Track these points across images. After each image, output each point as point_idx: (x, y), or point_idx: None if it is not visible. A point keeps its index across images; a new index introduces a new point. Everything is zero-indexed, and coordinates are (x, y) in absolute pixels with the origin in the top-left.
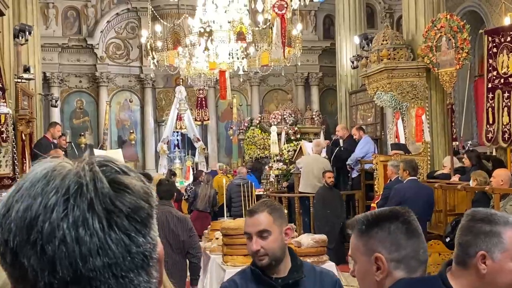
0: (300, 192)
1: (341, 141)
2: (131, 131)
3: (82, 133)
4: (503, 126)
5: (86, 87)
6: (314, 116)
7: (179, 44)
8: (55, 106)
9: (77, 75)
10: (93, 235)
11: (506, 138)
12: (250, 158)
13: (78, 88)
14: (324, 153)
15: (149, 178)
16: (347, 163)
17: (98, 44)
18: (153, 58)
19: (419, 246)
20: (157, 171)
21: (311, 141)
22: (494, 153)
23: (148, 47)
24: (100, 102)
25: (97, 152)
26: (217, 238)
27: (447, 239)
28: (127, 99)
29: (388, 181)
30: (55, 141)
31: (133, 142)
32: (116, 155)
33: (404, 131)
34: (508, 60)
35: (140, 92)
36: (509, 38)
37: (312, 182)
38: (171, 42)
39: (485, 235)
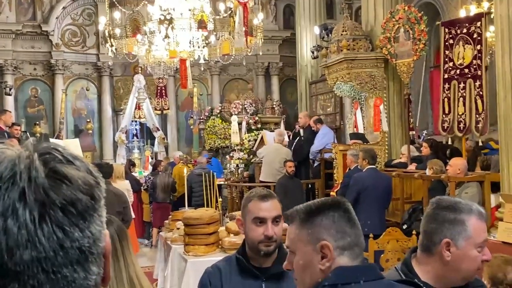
0: (261, 181)
1: (301, 131)
2: (88, 120)
3: (37, 122)
4: (459, 116)
5: (41, 75)
6: (274, 106)
7: (138, 31)
8: (9, 94)
9: (32, 63)
10: (22, 227)
11: (462, 127)
12: (211, 147)
13: (32, 76)
14: (270, 140)
15: (109, 168)
16: (310, 158)
17: (53, 30)
18: (111, 46)
19: (359, 234)
20: (115, 161)
21: (272, 131)
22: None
23: (106, 34)
24: (55, 90)
25: (52, 142)
26: (178, 228)
27: (404, 226)
28: (84, 88)
29: (348, 170)
30: (7, 129)
31: (90, 131)
32: (74, 144)
33: (363, 120)
34: (464, 51)
35: (97, 80)
36: (465, 30)
37: (273, 171)
38: (130, 29)
39: (450, 223)
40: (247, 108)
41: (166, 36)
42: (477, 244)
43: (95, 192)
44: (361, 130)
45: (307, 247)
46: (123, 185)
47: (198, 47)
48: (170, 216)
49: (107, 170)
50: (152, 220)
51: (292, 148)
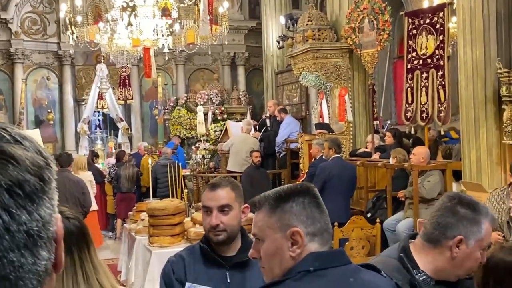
0: (228, 171)
1: (268, 121)
2: (49, 110)
3: None
4: (421, 106)
5: (0, 64)
6: (240, 96)
7: (100, 19)
8: None
9: None
10: None
11: (424, 117)
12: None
13: None
14: (237, 131)
15: (68, 157)
16: (276, 148)
17: (12, 18)
18: (72, 34)
19: (328, 220)
20: (77, 152)
21: (238, 121)
22: (412, 132)
23: (67, 21)
24: (15, 79)
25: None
26: (142, 220)
27: (368, 215)
28: (44, 77)
29: (313, 160)
30: None
31: (51, 122)
32: (34, 135)
33: (328, 111)
34: (427, 41)
35: (58, 69)
36: (428, 20)
37: (240, 161)
38: (92, 17)
39: (468, 221)
40: (213, 98)
41: (129, 24)
42: (483, 247)
43: (44, 173)
44: (326, 120)
45: (277, 234)
46: (86, 176)
47: (162, 35)
48: (135, 208)
49: (66, 159)
50: (116, 211)
51: (259, 138)
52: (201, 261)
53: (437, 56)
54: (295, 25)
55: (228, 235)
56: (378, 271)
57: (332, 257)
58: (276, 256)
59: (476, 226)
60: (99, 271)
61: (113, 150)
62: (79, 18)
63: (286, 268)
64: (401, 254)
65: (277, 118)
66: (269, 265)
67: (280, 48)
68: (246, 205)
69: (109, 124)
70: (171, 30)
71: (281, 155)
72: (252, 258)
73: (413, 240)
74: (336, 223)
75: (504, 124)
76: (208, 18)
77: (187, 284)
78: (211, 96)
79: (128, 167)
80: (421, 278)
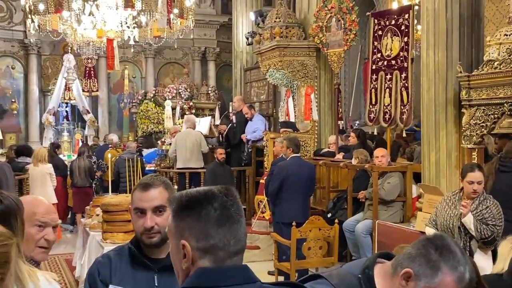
0: (178, 169)
1: (234, 117)
2: (13, 100)
3: None
4: (385, 107)
5: None
6: (210, 92)
7: (61, 7)
8: None
9: None
10: None
11: (387, 118)
12: (143, 132)
13: None
14: (202, 127)
15: (29, 151)
16: (250, 138)
17: None
18: (32, 22)
19: (230, 236)
20: (41, 144)
21: (207, 116)
22: (375, 133)
23: (27, 9)
24: None
25: None
26: (97, 215)
27: (329, 215)
28: (9, 66)
29: (276, 158)
30: None
31: (15, 112)
32: None
33: (294, 109)
34: (392, 43)
35: (24, 58)
36: (393, 22)
37: (184, 157)
38: (52, 5)
39: (426, 261)
40: (181, 93)
41: (90, 14)
42: None
43: None
44: (292, 119)
45: (174, 240)
46: (45, 169)
47: (128, 27)
48: (91, 202)
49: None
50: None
51: (225, 134)
52: (129, 263)
53: (401, 58)
54: (265, 21)
55: (162, 237)
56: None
57: (224, 274)
58: (175, 261)
59: (432, 270)
60: None
61: (80, 143)
62: (41, 6)
63: (182, 275)
64: (360, 276)
65: (246, 115)
66: (174, 267)
67: (249, 44)
68: None
69: (77, 116)
70: (136, 22)
71: (246, 153)
72: None
73: (384, 261)
74: (293, 223)
75: (463, 128)
76: (166, 9)
77: (110, 286)
78: (180, 90)
79: (80, 161)
80: None
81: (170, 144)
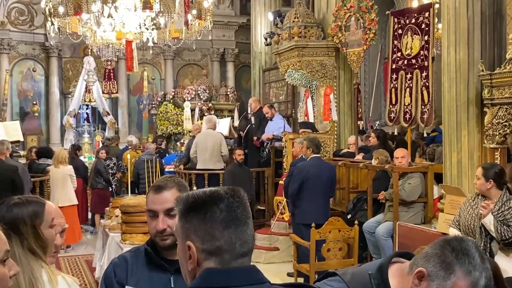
0: (199, 170)
1: (253, 118)
2: (34, 102)
3: None
4: (405, 107)
5: None
6: (229, 93)
7: (80, 10)
8: None
9: None
10: None
11: (407, 118)
12: (162, 133)
13: None
14: (222, 128)
15: (50, 153)
16: (268, 137)
17: None
18: (52, 24)
19: (236, 238)
20: (62, 145)
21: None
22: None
23: (47, 12)
24: (0, 70)
25: None
26: (116, 216)
27: (348, 216)
28: (31, 68)
29: (295, 159)
30: None
31: (36, 114)
32: (13, 127)
33: (313, 109)
34: (412, 41)
35: (45, 61)
36: (413, 20)
37: (204, 157)
38: (72, 7)
39: (439, 262)
40: (200, 94)
41: (109, 16)
42: None
43: None
44: (311, 119)
45: (180, 241)
46: (66, 170)
47: (147, 29)
48: (111, 203)
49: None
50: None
51: (243, 135)
52: (145, 264)
53: (421, 57)
54: (283, 22)
55: (175, 239)
56: None
57: (232, 275)
58: (182, 262)
59: (445, 272)
60: None
61: (100, 144)
62: (61, 9)
63: (190, 277)
64: (370, 272)
65: (267, 115)
66: (181, 268)
67: (267, 45)
68: None
69: (97, 118)
70: (154, 23)
71: (265, 153)
72: None
73: (404, 260)
74: (313, 224)
75: (485, 128)
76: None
77: (126, 287)
78: (199, 92)
79: (95, 162)
80: None
81: (183, 143)
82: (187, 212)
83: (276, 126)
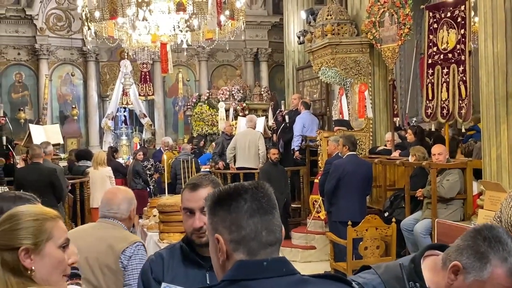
0: (238, 168)
1: (286, 117)
2: (74, 106)
3: (21, 108)
4: (442, 102)
5: (25, 60)
6: (262, 93)
7: (115, 14)
8: None
9: (16, 47)
10: None
11: (445, 114)
12: (198, 134)
13: (17, 61)
14: (258, 128)
15: (89, 155)
16: (295, 149)
17: (37, 15)
18: (89, 29)
19: (262, 226)
20: (101, 148)
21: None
22: (432, 129)
23: (84, 17)
24: (40, 75)
25: (32, 127)
26: (154, 216)
27: (386, 214)
28: (69, 73)
29: (330, 157)
30: None
31: (76, 117)
32: (53, 130)
33: (348, 107)
34: (448, 36)
35: (83, 65)
36: (449, 14)
37: (245, 155)
38: (107, 12)
39: (473, 253)
40: (234, 94)
41: (144, 19)
42: None
43: None
44: (346, 117)
45: (210, 237)
46: (105, 172)
47: (181, 31)
48: (149, 203)
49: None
50: None
51: (278, 134)
52: (181, 261)
53: (458, 51)
54: (316, 20)
55: None
56: (346, 282)
57: (263, 266)
58: (213, 258)
59: (481, 263)
60: None
61: (138, 146)
62: (97, 14)
63: (221, 272)
64: (401, 263)
65: (298, 108)
66: (213, 264)
67: (300, 43)
68: None
69: (134, 120)
70: (188, 25)
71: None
72: None
73: (439, 252)
74: (349, 222)
75: None
76: (216, 10)
77: (163, 284)
78: (233, 92)
79: (131, 163)
80: None
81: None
82: (214, 206)
83: (297, 127)
